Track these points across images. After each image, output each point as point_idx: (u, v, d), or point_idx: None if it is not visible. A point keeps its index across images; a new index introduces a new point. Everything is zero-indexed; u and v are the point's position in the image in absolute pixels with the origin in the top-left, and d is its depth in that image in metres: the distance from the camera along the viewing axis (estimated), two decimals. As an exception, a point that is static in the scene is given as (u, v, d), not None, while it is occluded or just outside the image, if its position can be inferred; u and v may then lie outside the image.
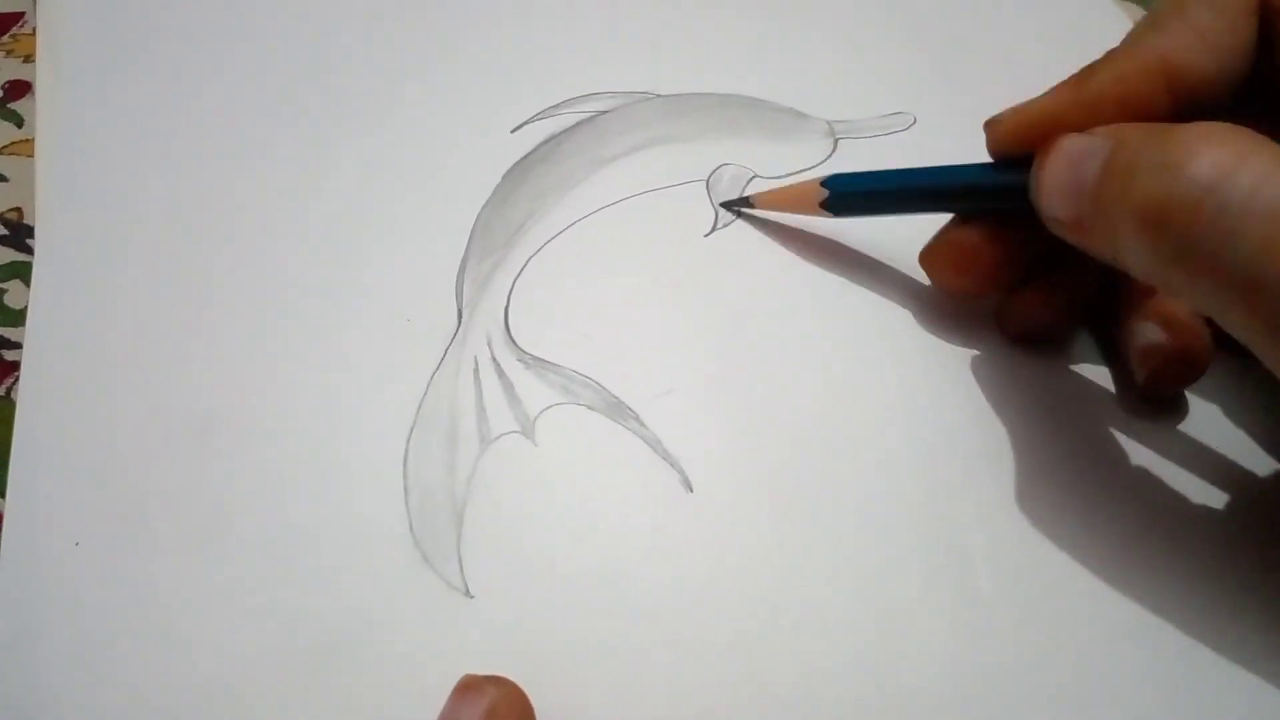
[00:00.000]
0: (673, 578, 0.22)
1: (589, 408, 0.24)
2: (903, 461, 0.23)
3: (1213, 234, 0.17)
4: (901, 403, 0.24)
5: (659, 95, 0.28)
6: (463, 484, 0.23)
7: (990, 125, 0.23)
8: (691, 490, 0.23)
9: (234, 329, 0.25)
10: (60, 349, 0.25)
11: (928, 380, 0.24)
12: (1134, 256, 0.19)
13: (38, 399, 0.24)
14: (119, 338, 0.25)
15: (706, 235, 0.26)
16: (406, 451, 0.23)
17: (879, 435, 0.23)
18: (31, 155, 0.27)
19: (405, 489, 0.23)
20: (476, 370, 0.24)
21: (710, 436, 0.23)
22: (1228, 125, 0.18)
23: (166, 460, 0.23)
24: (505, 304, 0.25)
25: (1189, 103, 0.20)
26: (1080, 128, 0.21)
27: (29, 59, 0.29)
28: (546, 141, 0.27)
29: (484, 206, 0.26)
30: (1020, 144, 0.22)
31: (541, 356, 0.24)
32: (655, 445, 0.23)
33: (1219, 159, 0.17)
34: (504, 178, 0.27)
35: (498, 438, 0.23)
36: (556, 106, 0.28)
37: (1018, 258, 0.24)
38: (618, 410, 0.24)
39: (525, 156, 0.27)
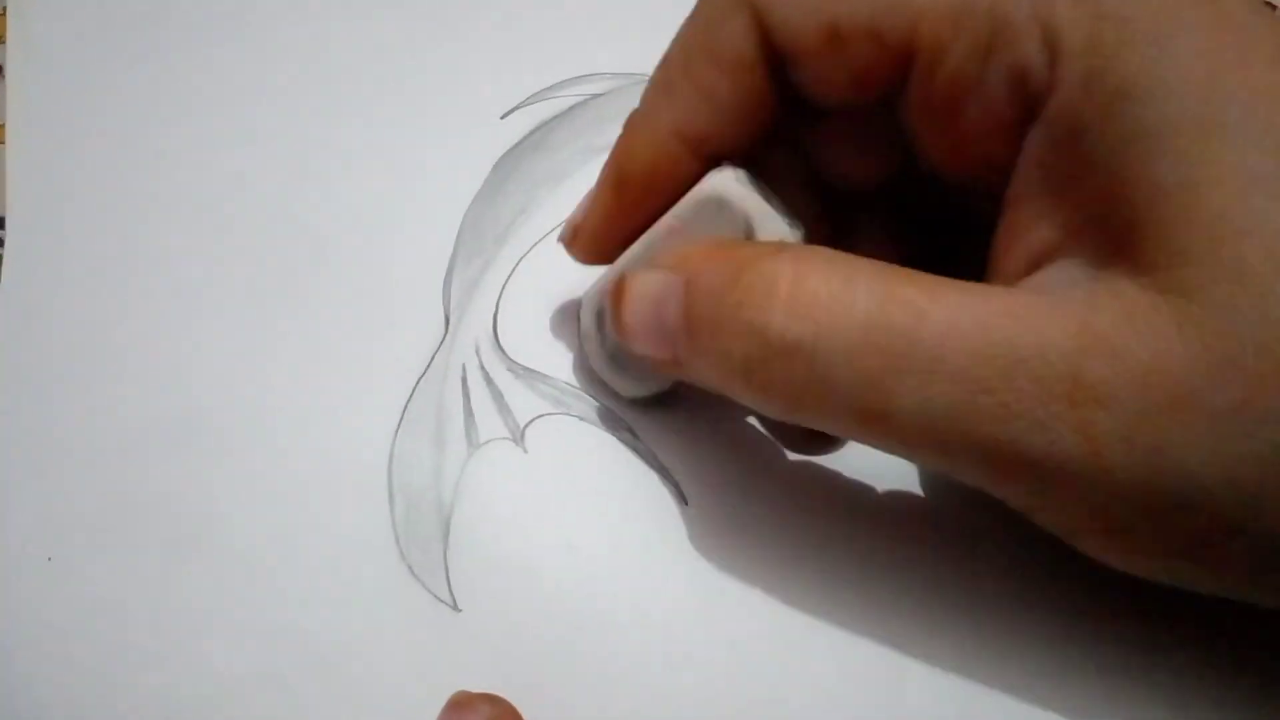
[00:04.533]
0: (666, 592, 0.21)
1: (580, 418, 0.23)
2: (904, 473, 0.22)
3: (815, 386, 0.17)
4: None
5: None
6: (450, 489, 0.22)
7: (570, 248, 0.22)
8: (686, 503, 0.22)
9: (212, 329, 0.24)
10: (30, 348, 0.24)
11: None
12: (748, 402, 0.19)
13: (6, 401, 0.23)
14: (93, 338, 0.24)
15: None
16: (391, 454, 0.23)
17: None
18: (1, 142, 0.26)
19: (390, 495, 0.22)
20: (464, 377, 0.23)
21: (705, 448, 0.23)
22: (790, 256, 0.17)
23: (143, 467, 0.23)
24: (494, 310, 0.24)
25: (721, 160, 0.20)
26: (638, 229, 0.20)
27: (-1, 39, 0.28)
28: (539, 128, 0.26)
29: (473, 201, 0.25)
30: (603, 258, 0.21)
31: (531, 367, 0.24)
32: (648, 457, 0.23)
33: (796, 311, 0.17)
34: (494, 168, 0.26)
35: (486, 442, 0.23)
36: (548, 89, 0.27)
37: None
38: (610, 421, 0.23)
39: (516, 145, 0.26)
